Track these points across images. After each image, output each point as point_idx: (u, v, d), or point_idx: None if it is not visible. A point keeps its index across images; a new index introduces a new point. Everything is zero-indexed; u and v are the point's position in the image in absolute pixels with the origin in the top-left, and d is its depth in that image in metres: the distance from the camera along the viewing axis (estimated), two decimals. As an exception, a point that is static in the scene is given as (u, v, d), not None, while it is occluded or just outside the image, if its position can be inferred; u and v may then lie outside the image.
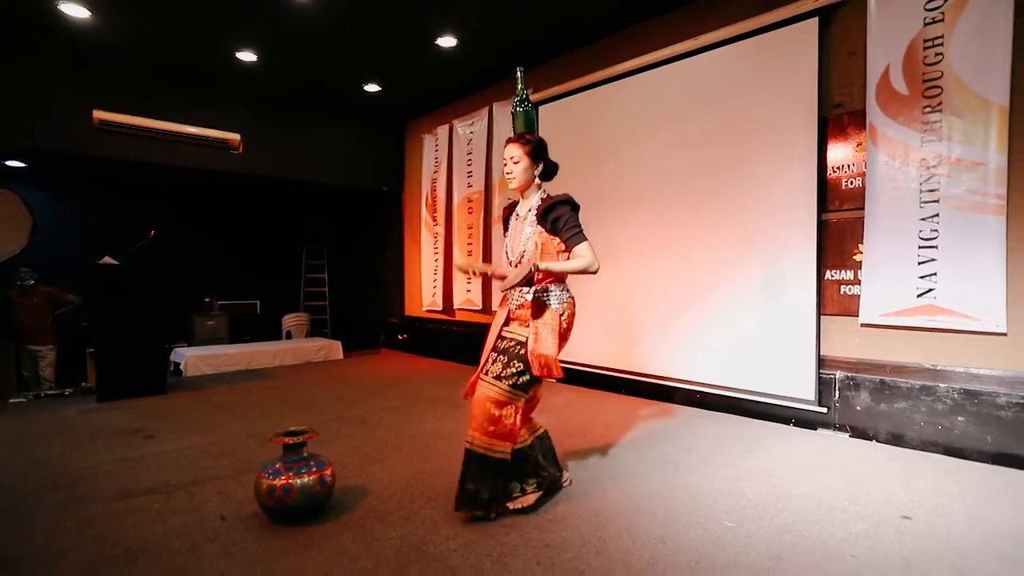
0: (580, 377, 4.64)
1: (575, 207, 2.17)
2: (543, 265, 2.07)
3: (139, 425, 3.54)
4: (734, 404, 3.71)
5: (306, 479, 2.11)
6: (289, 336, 7.51)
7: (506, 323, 2.27)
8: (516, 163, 2.21)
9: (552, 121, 5.03)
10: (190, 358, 5.56)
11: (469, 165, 6.01)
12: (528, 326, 2.17)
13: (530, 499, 2.24)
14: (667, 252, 4.11)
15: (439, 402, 4.15)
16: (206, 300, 6.91)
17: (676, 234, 4.06)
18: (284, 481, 2.07)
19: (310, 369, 5.83)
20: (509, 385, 2.12)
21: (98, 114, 4.89)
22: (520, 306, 2.21)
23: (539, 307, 2.17)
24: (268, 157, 5.94)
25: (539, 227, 2.17)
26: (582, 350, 4.66)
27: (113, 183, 6.57)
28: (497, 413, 2.12)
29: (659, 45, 4.10)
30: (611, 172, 4.50)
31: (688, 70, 3.99)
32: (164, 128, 5.20)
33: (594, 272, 2.10)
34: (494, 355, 2.20)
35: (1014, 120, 2.71)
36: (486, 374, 2.18)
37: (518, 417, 2.15)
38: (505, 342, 2.21)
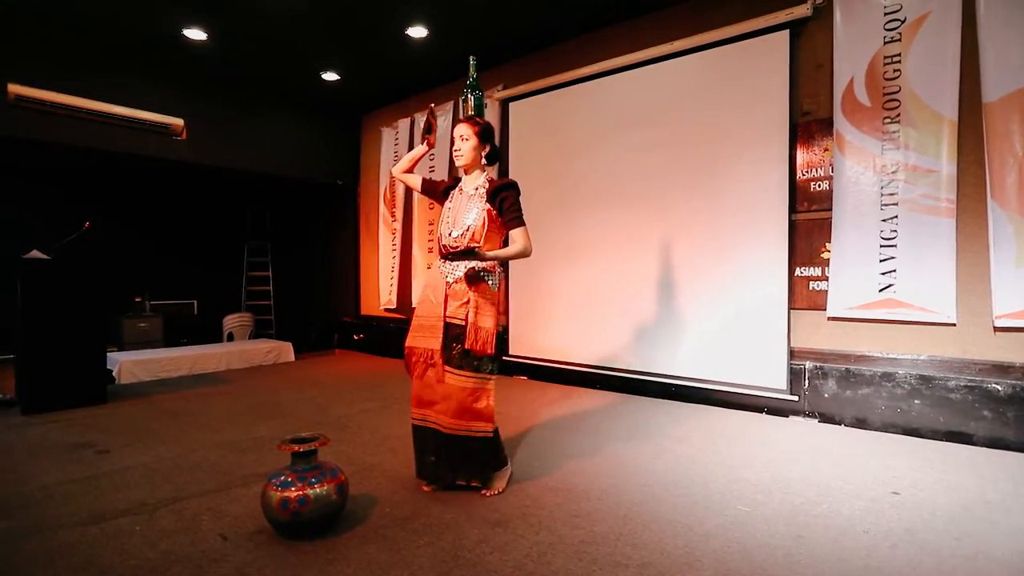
0: (555, 374, 4.67)
1: (519, 192, 2.35)
2: (488, 254, 2.22)
3: (86, 439, 3.15)
4: (709, 395, 3.88)
5: (321, 489, 1.96)
6: (231, 338, 6.99)
7: (445, 303, 2.33)
8: (465, 141, 2.35)
9: (523, 117, 5.03)
10: (124, 364, 5.03)
11: (432, 160, 5.87)
12: (465, 302, 2.29)
13: (502, 485, 2.39)
14: (640, 249, 4.23)
15: (417, 403, 4.02)
16: (136, 300, 6.29)
17: (650, 232, 4.18)
18: (299, 492, 1.92)
19: (264, 372, 5.46)
20: (472, 371, 2.27)
21: (14, 88, 4.30)
22: (456, 280, 2.32)
23: (475, 281, 2.30)
24: (214, 145, 5.49)
25: (487, 205, 2.31)
26: (556, 347, 4.70)
27: (31, 168, 5.80)
28: (469, 400, 2.27)
29: (634, 47, 4.21)
30: (583, 169, 4.56)
31: (663, 73, 4.12)
32: (94, 108, 4.66)
33: (527, 256, 2.33)
34: (446, 341, 2.31)
35: (962, 133, 3.02)
36: (449, 364, 2.28)
37: (490, 401, 2.31)
38: (454, 329, 2.30)
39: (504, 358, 4.98)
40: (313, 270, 7.64)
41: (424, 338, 2.36)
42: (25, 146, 4.74)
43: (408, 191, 6.15)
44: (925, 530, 1.99)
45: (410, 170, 2.60)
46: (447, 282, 2.34)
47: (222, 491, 2.40)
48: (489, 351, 2.29)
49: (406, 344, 2.42)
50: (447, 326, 2.30)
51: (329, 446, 2.97)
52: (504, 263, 2.41)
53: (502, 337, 2.37)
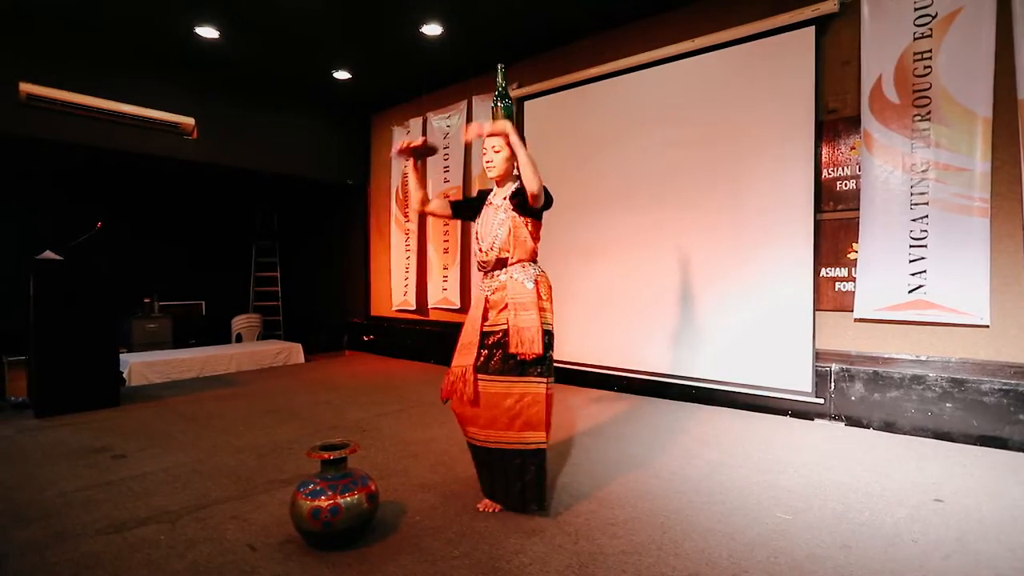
0: (572, 376, 4.61)
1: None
2: (513, 139, 2.11)
3: (101, 443, 3.09)
4: (731, 398, 3.81)
5: (352, 498, 1.90)
6: (239, 339, 6.94)
7: (484, 316, 2.23)
8: (497, 152, 2.25)
9: (539, 116, 4.97)
10: (134, 365, 4.97)
11: (446, 159, 5.81)
12: (503, 308, 2.19)
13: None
14: (660, 250, 4.16)
15: (434, 405, 3.96)
16: (146, 301, 6.22)
17: (671, 232, 4.11)
18: (330, 501, 1.86)
19: (275, 374, 5.40)
20: (517, 376, 2.13)
21: (25, 87, 4.24)
22: (494, 290, 2.24)
23: (512, 287, 2.20)
24: (224, 144, 5.43)
25: (512, 212, 2.23)
26: (574, 348, 4.64)
27: (41, 168, 5.72)
28: (516, 406, 2.11)
29: (654, 45, 4.15)
30: (601, 169, 4.50)
31: (685, 71, 4.05)
32: (105, 107, 4.60)
33: (538, 183, 2.11)
34: (485, 352, 2.19)
35: (996, 131, 2.95)
36: (485, 372, 2.16)
37: (542, 407, 2.13)
38: (493, 336, 2.19)
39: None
40: (322, 270, 7.58)
41: (461, 356, 2.24)
42: (36, 145, 4.69)
43: (419, 191, 6.08)
44: (976, 540, 1.93)
45: (424, 196, 2.37)
46: (485, 296, 2.26)
47: (245, 498, 2.34)
48: (537, 350, 2.11)
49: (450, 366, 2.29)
50: (484, 335, 2.20)
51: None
52: (535, 258, 2.30)
53: (550, 334, 2.19)
